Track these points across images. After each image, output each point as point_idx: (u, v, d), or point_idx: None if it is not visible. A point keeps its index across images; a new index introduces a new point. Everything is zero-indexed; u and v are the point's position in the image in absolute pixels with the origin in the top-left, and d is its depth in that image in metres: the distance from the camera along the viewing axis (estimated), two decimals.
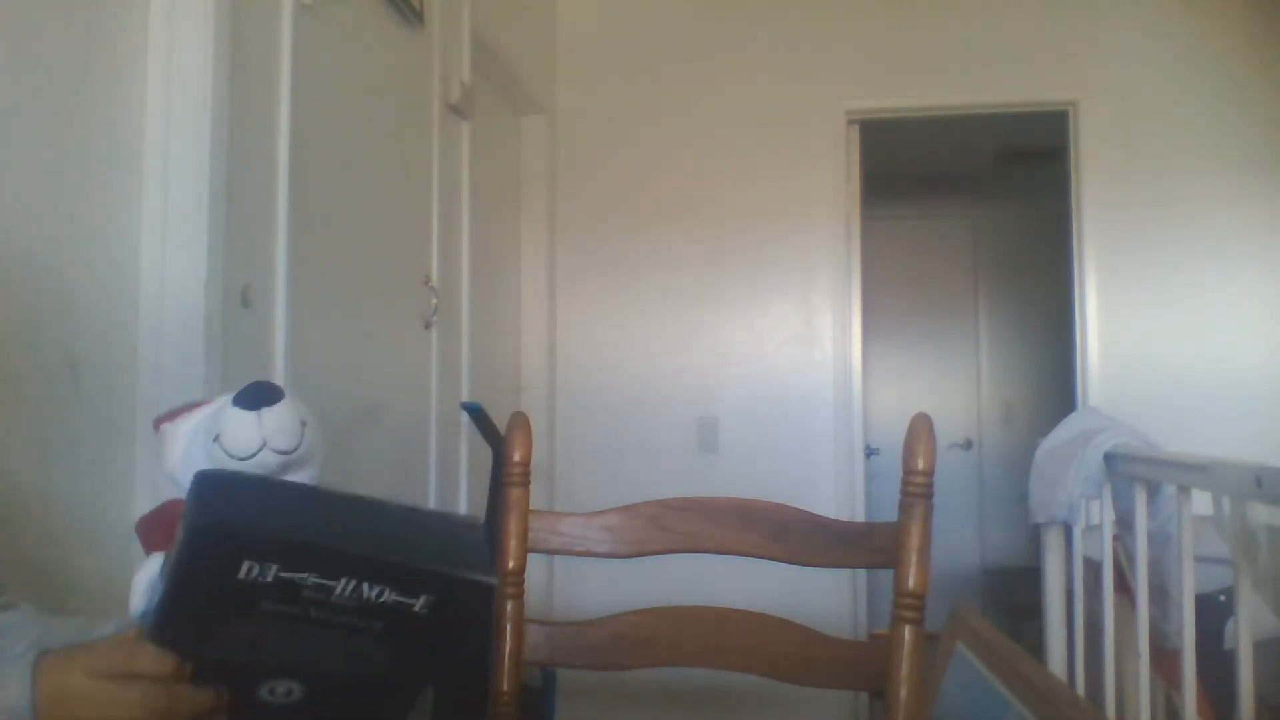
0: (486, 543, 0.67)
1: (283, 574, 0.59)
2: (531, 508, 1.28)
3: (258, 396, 0.79)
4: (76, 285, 1.26)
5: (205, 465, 0.77)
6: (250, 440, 0.77)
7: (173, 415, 0.86)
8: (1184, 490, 1.54)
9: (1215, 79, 3.12)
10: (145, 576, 0.76)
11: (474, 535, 0.68)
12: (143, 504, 1.33)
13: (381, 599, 0.62)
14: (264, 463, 0.77)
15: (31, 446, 1.19)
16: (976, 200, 5.19)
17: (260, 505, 0.60)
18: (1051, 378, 4.74)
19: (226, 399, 0.82)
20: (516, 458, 1.28)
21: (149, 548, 0.81)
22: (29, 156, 1.20)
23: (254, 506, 0.60)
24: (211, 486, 0.60)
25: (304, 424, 0.80)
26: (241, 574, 0.59)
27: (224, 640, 0.62)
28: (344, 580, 0.61)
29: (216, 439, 0.77)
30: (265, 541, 0.59)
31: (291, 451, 0.79)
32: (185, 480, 0.78)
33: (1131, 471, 1.71)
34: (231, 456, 0.76)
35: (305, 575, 0.60)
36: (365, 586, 0.61)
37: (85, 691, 0.63)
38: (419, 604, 0.63)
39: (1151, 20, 3.16)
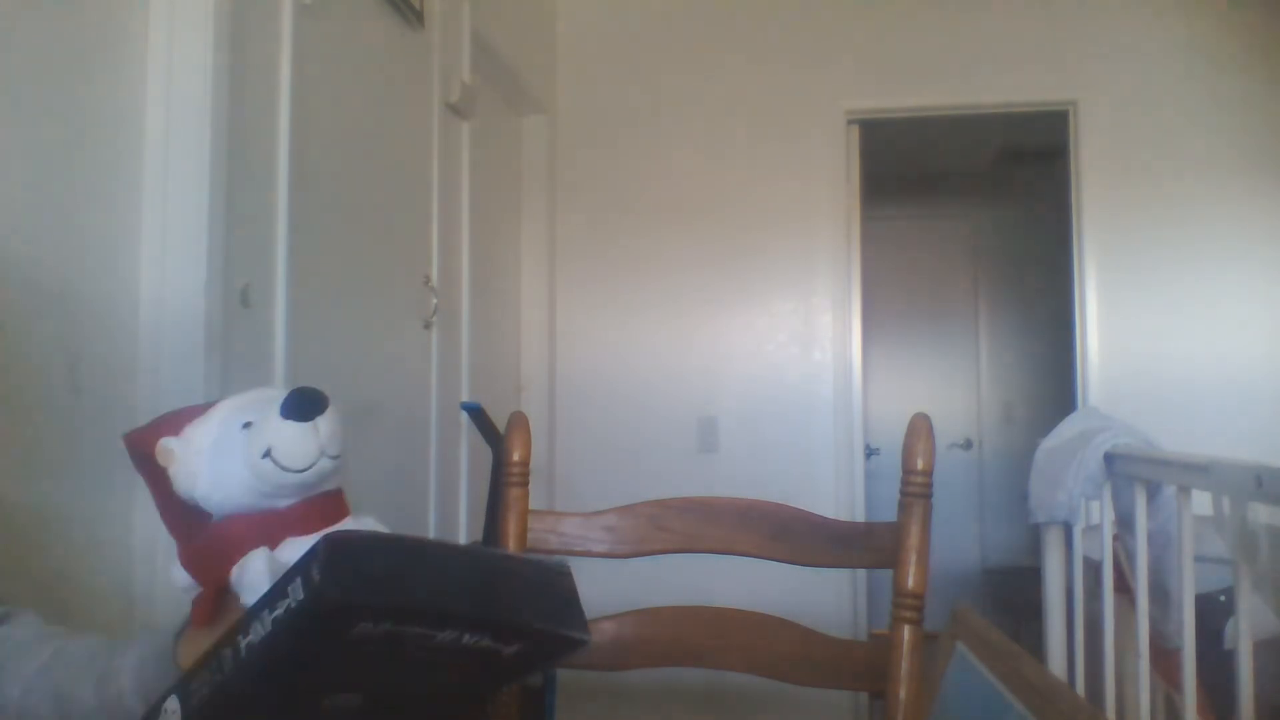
0: (575, 592, 0.70)
1: (392, 628, 0.61)
2: (531, 508, 1.28)
3: (309, 406, 0.77)
4: (76, 286, 1.26)
5: (255, 485, 0.75)
6: (310, 452, 0.76)
7: (166, 427, 0.81)
8: (1184, 490, 1.54)
9: (1215, 79, 3.12)
10: (265, 568, 0.73)
11: (567, 584, 0.70)
12: (143, 506, 1.33)
13: (477, 644, 0.65)
14: (321, 470, 0.77)
15: (31, 448, 1.19)
16: (976, 200, 5.19)
17: (386, 571, 0.60)
18: (1051, 378, 4.74)
19: (237, 406, 0.80)
20: (516, 457, 1.28)
21: (206, 579, 0.77)
22: (29, 157, 1.20)
23: (380, 574, 0.60)
24: (343, 555, 0.59)
25: (345, 423, 0.81)
26: (353, 632, 0.60)
27: (315, 676, 0.64)
28: (447, 631, 0.63)
29: (267, 454, 0.75)
30: (386, 608, 0.60)
31: (340, 454, 0.79)
32: (221, 502, 0.77)
33: (1131, 471, 1.71)
34: (289, 470, 0.75)
35: (413, 629, 0.62)
36: (466, 636, 0.64)
37: None
38: (509, 650, 0.66)
39: (1151, 20, 3.16)
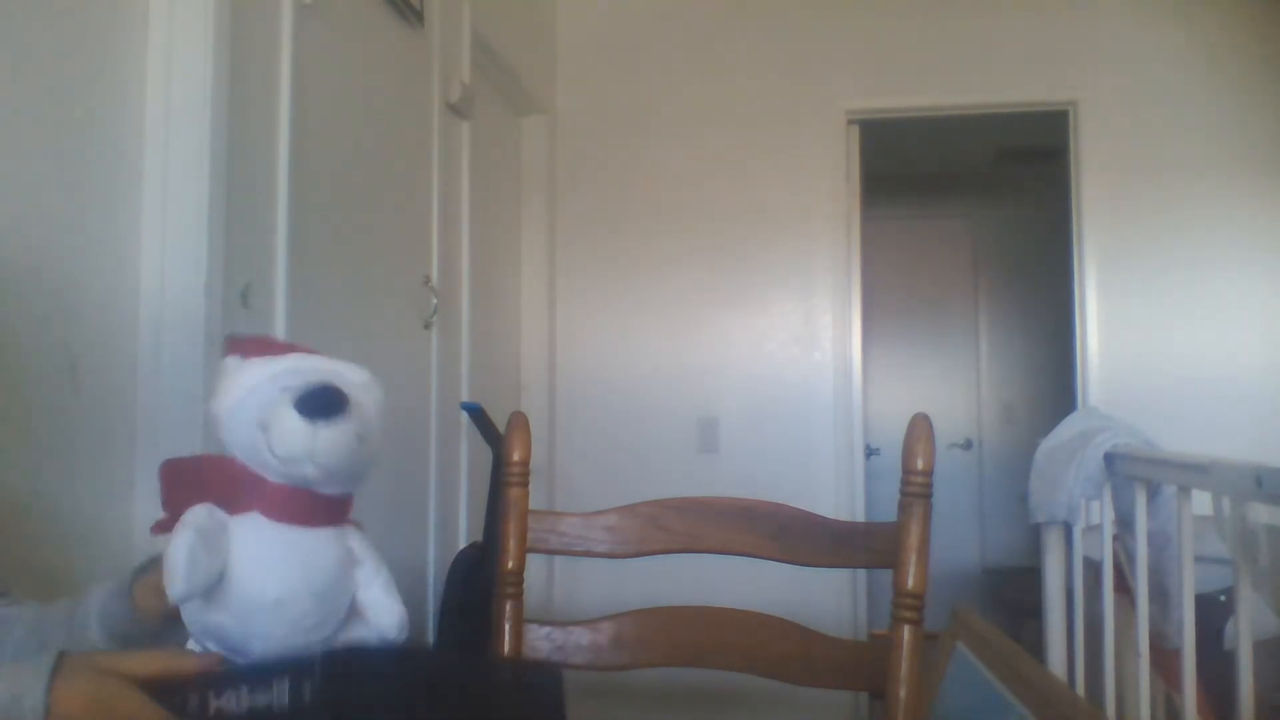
0: (561, 692, 0.76)
1: None
2: (531, 508, 1.28)
3: (318, 407, 0.74)
4: (76, 285, 1.26)
5: (251, 438, 0.75)
6: (297, 450, 0.73)
7: (245, 347, 0.80)
8: (1184, 490, 1.54)
9: (1216, 79, 3.12)
10: (183, 553, 0.69)
11: (555, 688, 0.77)
12: (143, 506, 1.33)
13: None
14: (304, 474, 0.75)
15: (30, 447, 1.19)
16: (976, 200, 5.19)
17: (381, 693, 0.66)
18: (1051, 378, 4.74)
19: (292, 369, 0.78)
20: (516, 457, 1.28)
21: (171, 502, 0.76)
22: (29, 156, 1.20)
23: (374, 697, 0.65)
24: (339, 670, 0.64)
25: (361, 440, 0.76)
26: None
27: None
28: None
29: (266, 429, 0.74)
30: None
31: (334, 468, 0.76)
32: (227, 440, 0.77)
33: (1131, 471, 1.71)
34: (273, 454, 0.74)
35: None
36: None
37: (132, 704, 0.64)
38: None
39: (1151, 20, 3.16)
